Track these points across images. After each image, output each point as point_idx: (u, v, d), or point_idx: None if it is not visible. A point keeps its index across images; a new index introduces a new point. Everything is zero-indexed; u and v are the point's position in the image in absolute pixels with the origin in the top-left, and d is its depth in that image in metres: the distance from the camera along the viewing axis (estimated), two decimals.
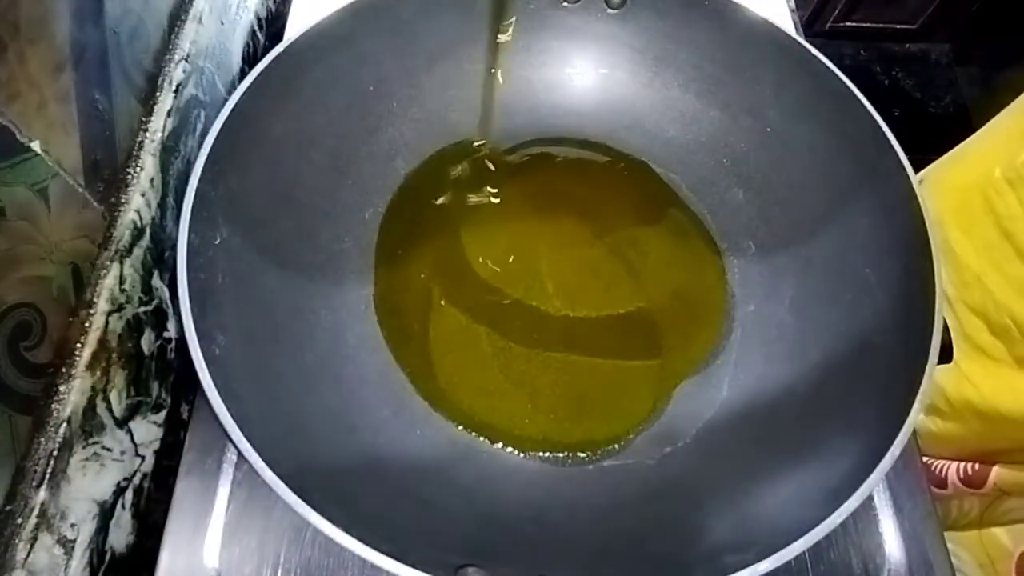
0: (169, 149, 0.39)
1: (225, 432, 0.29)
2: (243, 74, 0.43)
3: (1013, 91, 0.55)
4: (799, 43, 0.43)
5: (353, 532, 0.27)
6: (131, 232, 0.35)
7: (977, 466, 0.54)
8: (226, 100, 0.37)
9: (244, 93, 0.38)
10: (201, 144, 0.36)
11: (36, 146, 0.29)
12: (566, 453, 0.38)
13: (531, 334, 0.42)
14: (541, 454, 0.38)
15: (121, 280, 0.34)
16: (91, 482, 0.32)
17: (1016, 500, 0.51)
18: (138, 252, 0.36)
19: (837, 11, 1.37)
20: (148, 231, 0.37)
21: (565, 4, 0.48)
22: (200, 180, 0.35)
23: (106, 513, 0.34)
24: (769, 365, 0.40)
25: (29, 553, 0.28)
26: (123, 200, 0.35)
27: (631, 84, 0.50)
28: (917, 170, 0.38)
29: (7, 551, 0.27)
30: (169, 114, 0.39)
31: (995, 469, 0.53)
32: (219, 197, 0.36)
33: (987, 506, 0.53)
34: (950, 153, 0.62)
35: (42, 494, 0.29)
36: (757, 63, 0.45)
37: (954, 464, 0.56)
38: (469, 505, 0.35)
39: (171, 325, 0.39)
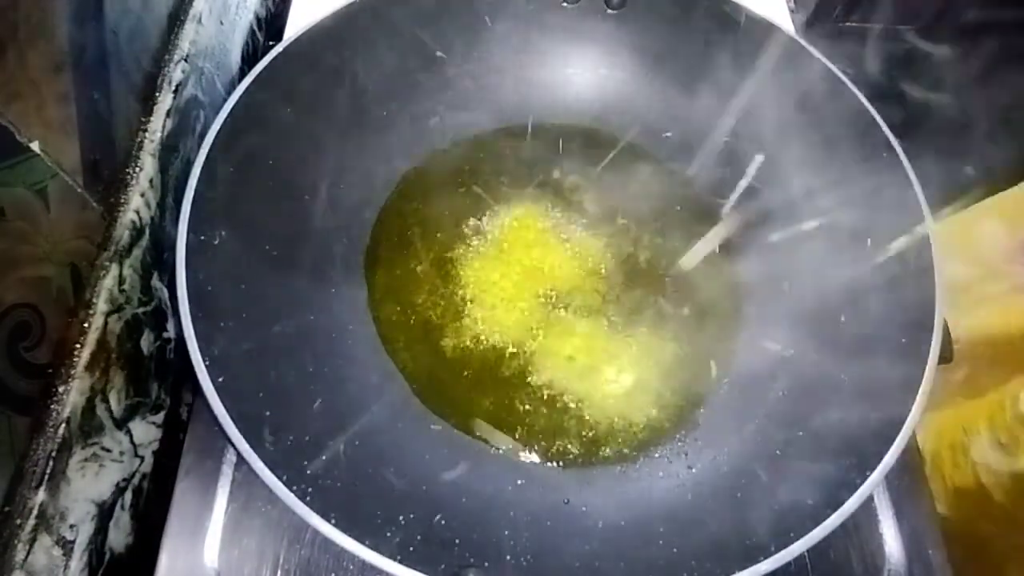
0: (168, 149, 0.39)
1: (224, 433, 0.29)
2: (242, 74, 0.43)
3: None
4: (799, 43, 0.43)
5: (353, 532, 0.27)
6: (130, 232, 0.35)
7: None
8: (225, 100, 0.37)
9: (243, 93, 0.38)
10: (200, 144, 0.36)
11: (35, 146, 0.29)
12: (567, 455, 0.38)
13: (531, 335, 0.42)
14: (541, 456, 0.38)
15: (120, 281, 0.34)
16: (90, 483, 0.32)
17: None
18: (137, 252, 0.36)
19: (837, 11, 1.36)
20: (147, 231, 0.36)
21: (565, 4, 0.48)
22: (199, 180, 0.35)
23: (105, 514, 0.33)
24: (770, 367, 0.40)
25: (28, 554, 0.28)
26: (122, 200, 0.35)
27: (631, 84, 0.50)
28: (916, 170, 0.38)
29: (6, 552, 0.27)
30: (168, 114, 0.38)
31: None
32: (218, 197, 0.36)
33: None
34: None
35: (41, 495, 0.29)
36: (757, 63, 0.45)
37: None
38: (469, 505, 0.35)
39: (170, 325, 0.39)
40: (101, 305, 0.32)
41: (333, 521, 0.28)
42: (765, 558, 0.28)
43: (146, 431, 0.37)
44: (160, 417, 0.39)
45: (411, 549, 0.29)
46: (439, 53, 0.48)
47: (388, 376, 0.40)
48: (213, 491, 0.36)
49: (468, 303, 0.43)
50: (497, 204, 0.47)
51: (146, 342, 0.37)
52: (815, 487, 0.31)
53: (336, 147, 0.44)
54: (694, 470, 0.37)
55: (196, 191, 0.34)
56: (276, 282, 0.38)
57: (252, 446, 0.29)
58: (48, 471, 0.29)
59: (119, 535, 0.35)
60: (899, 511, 0.37)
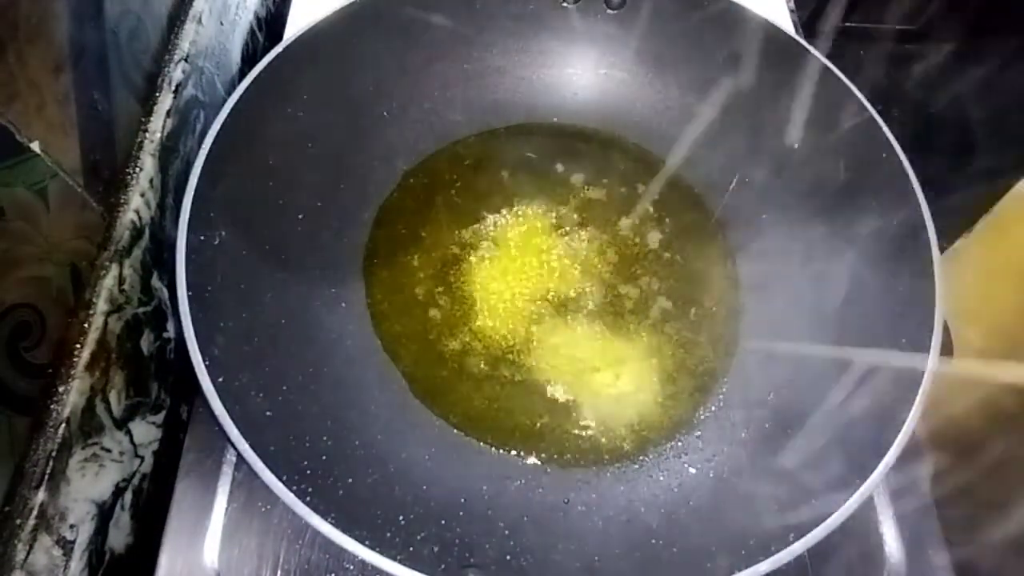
0: (168, 149, 0.39)
1: (224, 433, 0.29)
2: (242, 74, 0.43)
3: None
4: (799, 43, 0.43)
5: (353, 532, 0.27)
6: (130, 232, 0.35)
7: None
8: (225, 100, 0.37)
9: (243, 93, 0.38)
10: (200, 144, 0.36)
11: (35, 146, 0.29)
12: (566, 455, 0.38)
13: (531, 335, 0.42)
14: (541, 456, 0.38)
15: (120, 281, 0.34)
16: (90, 483, 0.32)
17: None
18: (137, 253, 0.36)
19: (837, 11, 1.36)
20: (147, 231, 0.36)
21: (565, 4, 0.48)
22: (199, 180, 0.35)
23: (105, 514, 0.33)
24: (769, 369, 0.40)
25: (28, 554, 0.28)
26: (122, 200, 0.35)
27: (631, 84, 0.50)
28: (917, 171, 0.38)
29: (6, 552, 0.27)
30: (168, 114, 0.38)
31: None
32: (219, 197, 0.36)
33: None
34: None
35: (41, 495, 0.29)
36: (757, 63, 0.45)
37: None
38: (469, 506, 0.35)
39: (170, 326, 0.39)
40: (101, 305, 0.32)
41: (333, 521, 0.28)
42: (765, 558, 0.28)
43: (146, 431, 0.37)
44: (160, 417, 0.39)
45: (411, 549, 0.29)
46: (438, 53, 0.48)
47: (388, 376, 0.40)
48: (213, 491, 0.36)
49: (468, 303, 0.43)
50: (497, 204, 0.47)
51: (146, 342, 0.37)
52: (815, 487, 0.31)
53: (336, 147, 0.44)
54: (694, 470, 0.37)
55: (196, 191, 0.34)
56: (276, 282, 0.38)
57: (252, 446, 0.29)
58: (48, 471, 0.29)
59: (119, 535, 0.35)
60: (899, 511, 0.37)
